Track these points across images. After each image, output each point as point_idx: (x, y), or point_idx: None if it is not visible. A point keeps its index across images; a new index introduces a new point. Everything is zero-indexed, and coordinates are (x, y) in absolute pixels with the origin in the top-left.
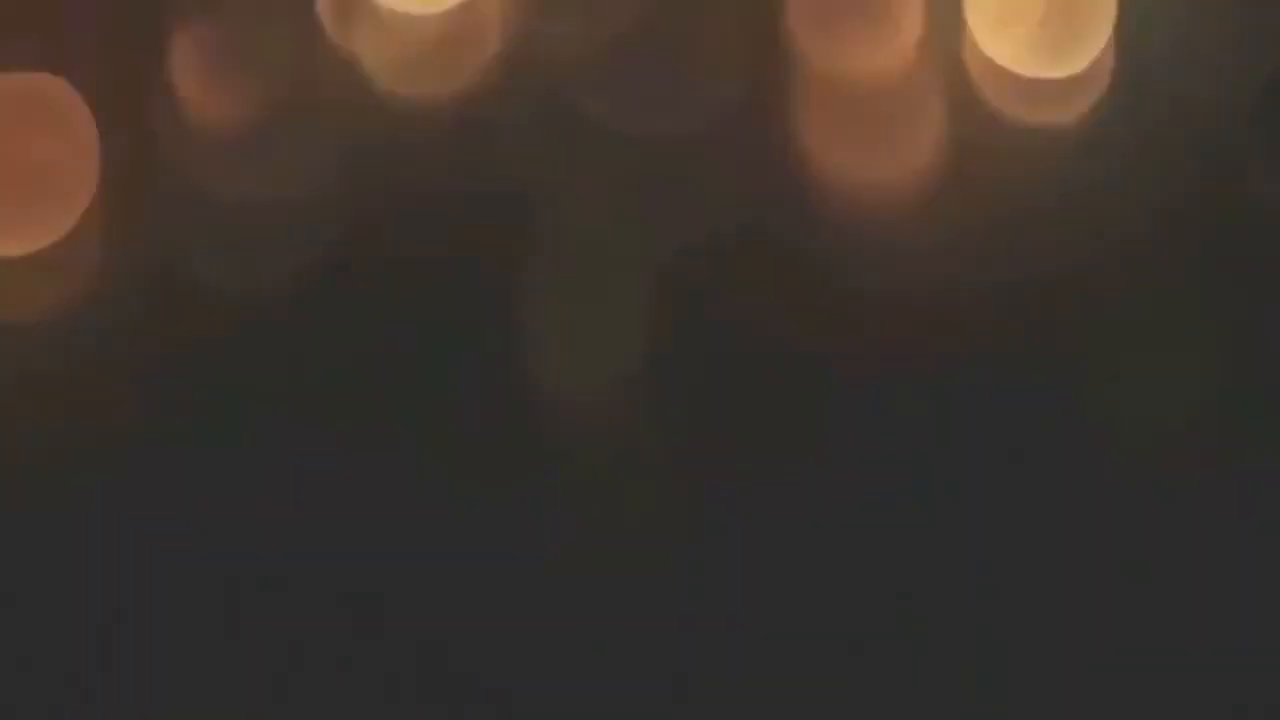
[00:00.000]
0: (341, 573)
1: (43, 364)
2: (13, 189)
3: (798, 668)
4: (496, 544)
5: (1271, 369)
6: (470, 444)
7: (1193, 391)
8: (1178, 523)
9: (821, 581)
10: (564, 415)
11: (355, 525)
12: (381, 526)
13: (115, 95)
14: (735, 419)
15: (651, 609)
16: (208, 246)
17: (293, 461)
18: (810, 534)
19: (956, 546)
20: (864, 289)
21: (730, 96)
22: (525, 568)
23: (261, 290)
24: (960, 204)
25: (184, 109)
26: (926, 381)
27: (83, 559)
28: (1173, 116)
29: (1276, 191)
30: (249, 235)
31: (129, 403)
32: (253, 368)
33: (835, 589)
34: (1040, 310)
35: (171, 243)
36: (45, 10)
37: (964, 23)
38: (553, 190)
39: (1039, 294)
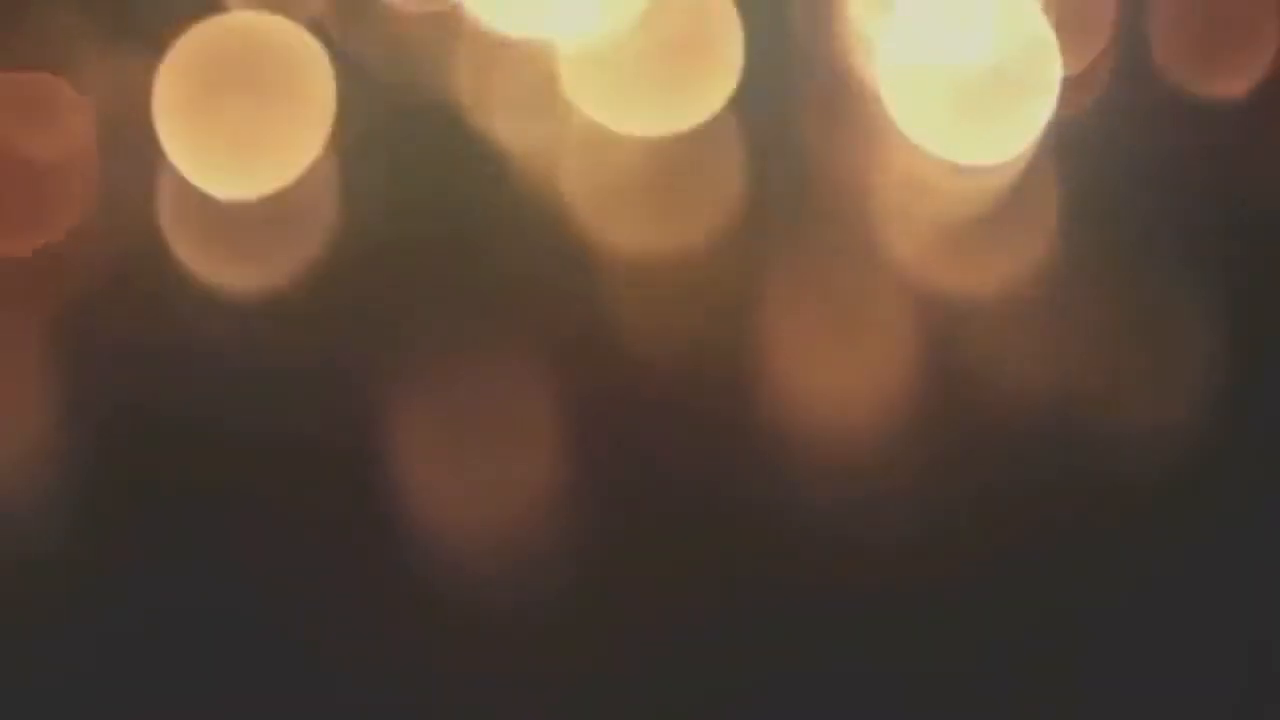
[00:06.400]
0: (343, 569)
1: (43, 365)
2: (13, 189)
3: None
4: (499, 540)
5: (1269, 368)
6: (470, 441)
7: (1188, 390)
8: (1178, 529)
9: (826, 589)
10: (564, 415)
11: (356, 523)
12: (382, 525)
13: (115, 95)
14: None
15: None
16: (208, 246)
17: (295, 460)
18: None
19: (955, 543)
20: (859, 287)
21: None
22: (527, 569)
23: (261, 290)
24: (957, 202)
25: (184, 109)
26: (919, 377)
27: (81, 557)
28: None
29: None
30: (249, 235)
31: (129, 402)
32: (253, 367)
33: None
34: (1036, 307)
35: (172, 243)
36: (45, 10)
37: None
38: (554, 189)
39: (1034, 290)
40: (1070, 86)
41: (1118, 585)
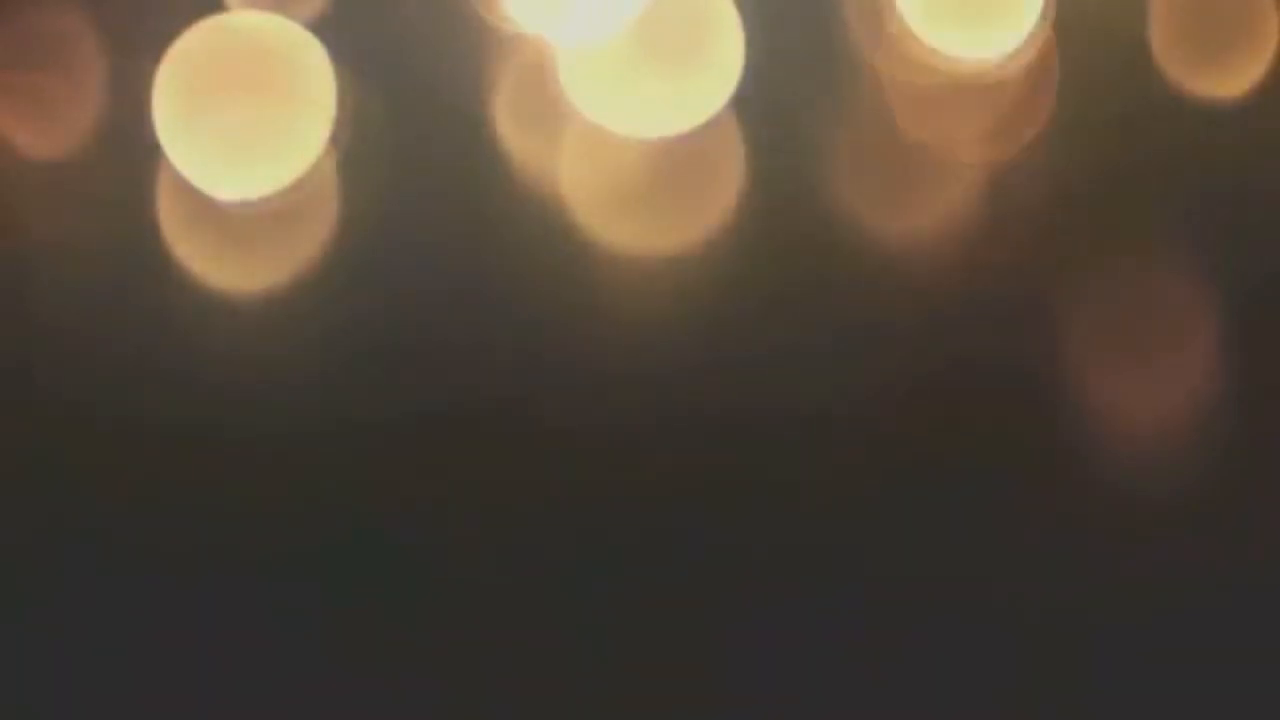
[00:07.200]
0: (343, 567)
1: (43, 365)
2: (13, 189)
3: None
4: (497, 540)
5: (1269, 369)
6: (470, 441)
7: (1188, 391)
8: (1174, 529)
9: (822, 576)
10: (565, 413)
11: (355, 523)
12: (381, 524)
13: (115, 95)
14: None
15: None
16: (208, 246)
17: (295, 461)
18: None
19: (956, 543)
20: (859, 287)
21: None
22: (527, 568)
23: (262, 291)
24: (956, 202)
25: (184, 109)
26: (919, 377)
27: (81, 558)
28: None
29: None
30: (250, 236)
31: (129, 404)
32: (253, 368)
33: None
34: (1036, 306)
35: (172, 243)
36: (46, 10)
37: (963, 21)
38: (554, 189)
39: (1035, 289)
40: (1070, 86)
41: (1119, 587)
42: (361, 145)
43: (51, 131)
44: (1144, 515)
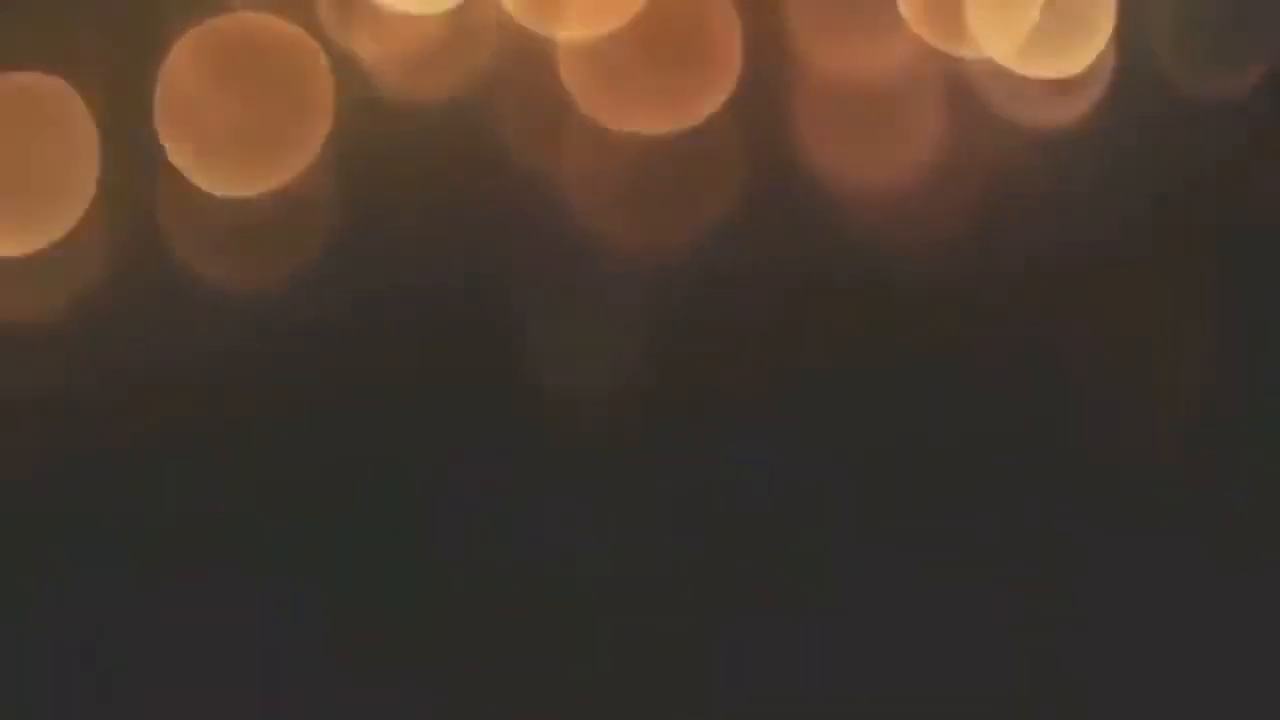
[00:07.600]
0: (343, 561)
1: (43, 365)
2: (13, 189)
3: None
4: (496, 543)
5: (1269, 369)
6: (471, 441)
7: (1188, 391)
8: (1173, 527)
9: (818, 574)
10: (566, 413)
11: (355, 525)
12: (380, 526)
13: (115, 95)
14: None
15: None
16: (208, 246)
17: (295, 461)
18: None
19: (949, 544)
20: (859, 287)
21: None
22: (527, 566)
23: (261, 290)
24: (956, 203)
25: (184, 109)
26: (919, 378)
27: (85, 562)
28: (1172, 115)
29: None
30: (249, 235)
31: (130, 403)
32: (253, 367)
33: (832, 580)
34: (1036, 309)
35: (172, 243)
36: (45, 10)
37: (964, 21)
38: (554, 189)
39: (1034, 292)
40: (1071, 88)
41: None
42: (361, 145)
43: (51, 131)
44: (1143, 518)
